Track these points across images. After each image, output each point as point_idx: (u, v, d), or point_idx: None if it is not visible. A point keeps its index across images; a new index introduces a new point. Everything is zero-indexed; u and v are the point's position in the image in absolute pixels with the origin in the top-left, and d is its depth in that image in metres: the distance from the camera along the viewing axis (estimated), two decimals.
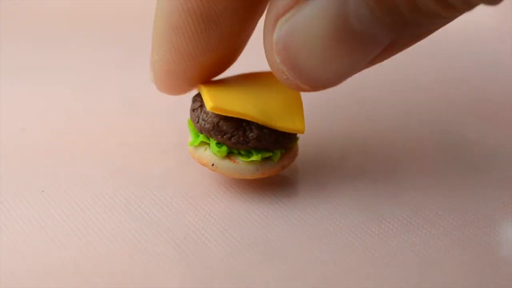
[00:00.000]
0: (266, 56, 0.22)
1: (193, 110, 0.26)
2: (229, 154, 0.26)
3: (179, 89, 0.27)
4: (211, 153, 0.26)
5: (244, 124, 0.25)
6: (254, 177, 0.26)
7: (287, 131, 0.25)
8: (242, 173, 0.26)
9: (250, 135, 0.25)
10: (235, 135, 0.25)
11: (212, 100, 0.25)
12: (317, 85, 0.22)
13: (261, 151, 0.25)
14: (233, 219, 0.26)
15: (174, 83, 0.26)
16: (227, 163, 0.26)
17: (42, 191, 0.27)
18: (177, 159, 0.29)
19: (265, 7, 0.24)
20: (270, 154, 0.26)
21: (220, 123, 0.25)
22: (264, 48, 0.22)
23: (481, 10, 0.22)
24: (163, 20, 0.24)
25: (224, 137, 0.25)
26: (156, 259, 0.23)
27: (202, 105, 0.26)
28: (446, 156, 0.30)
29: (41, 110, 0.33)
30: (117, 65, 0.39)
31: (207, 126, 0.25)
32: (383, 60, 0.21)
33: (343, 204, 0.26)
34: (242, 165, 0.26)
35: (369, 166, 0.29)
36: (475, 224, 0.26)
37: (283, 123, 0.25)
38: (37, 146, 0.30)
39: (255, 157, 0.25)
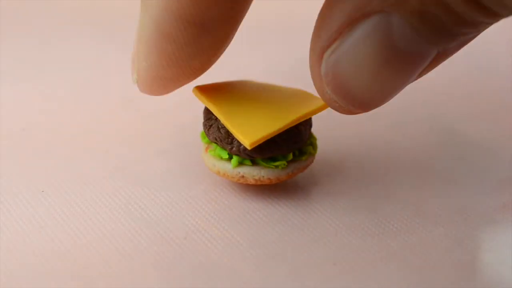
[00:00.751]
0: (316, 87, 0.22)
1: None
2: (210, 144, 0.27)
3: (165, 91, 0.27)
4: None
5: (213, 117, 0.26)
6: (212, 171, 0.27)
7: (233, 134, 0.25)
8: (206, 163, 0.27)
9: (211, 128, 0.26)
10: (205, 124, 0.27)
11: (198, 87, 0.27)
12: (369, 107, 0.22)
13: (221, 150, 0.26)
14: (233, 219, 0.26)
15: (161, 86, 0.26)
16: (203, 151, 0.27)
17: (42, 191, 0.27)
18: (177, 159, 0.29)
19: (248, 7, 0.25)
20: (226, 156, 0.26)
21: (204, 110, 0.27)
22: (313, 80, 0.22)
23: None
24: (153, 27, 0.24)
25: (203, 122, 0.27)
26: (156, 259, 0.23)
27: None
28: (446, 156, 0.30)
29: (41, 110, 0.33)
30: (117, 65, 0.39)
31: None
32: (430, 71, 0.22)
33: (343, 204, 0.26)
34: (208, 156, 0.27)
35: (369, 166, 0.29)
36: (475, 224, 0.26)
37: (232, 126, 0.25)
38: (37, 146, 0.30)
39: (211, 152, 0.26)
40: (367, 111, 0.23)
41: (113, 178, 0.28)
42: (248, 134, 0.24)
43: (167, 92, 0.27)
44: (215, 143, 0.26)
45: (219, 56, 0.26)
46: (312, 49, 0.22)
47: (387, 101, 0.22)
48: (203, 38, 0.24)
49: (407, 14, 0.19)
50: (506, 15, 0.19)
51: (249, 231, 0.25)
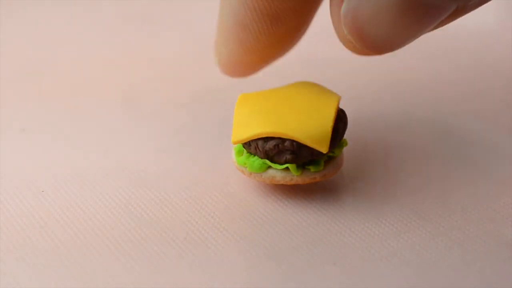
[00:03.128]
0: (334, 26, 0.23)
1: None
2: None
3: (243, 74, 0.29)
4: None
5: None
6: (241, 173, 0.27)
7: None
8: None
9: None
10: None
11: (243, 95, 0.27)
12: (382, 50, 0.23)
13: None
14: (233, 219, 0.26)
15: (240, 70, 0.28)
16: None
17: (42, 191, 0.27)
18: (177, 159, 0.29)
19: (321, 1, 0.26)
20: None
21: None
22: (332, 18, 0.23)
23: (481, 9, 0.22)
24: (231, 17, 0.26)
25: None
26: (156, 259, 0.23)
27: None
28: (446, 156, 0.30)
29: (41, 110, 0.33)
30: (117, 65, 0.39)
31: None
32: (446, 24, 0.22)
33: (343, 204, 0.26)
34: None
35: (369, 167, 0.29)
36: (475, 224, 0.26)
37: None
38: (37, 146, 0.30)
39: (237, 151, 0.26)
40: (380, 54, 0.23)
41: (113, 178, 0.28)
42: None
43: (247, 75, 0.29)
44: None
45: (294, 45, 0.28)
46: None
47: (401, 47, 0.23)
48: (277, 28, 0.25)
49: None
50: None
51: (249, 231, 0.25)
